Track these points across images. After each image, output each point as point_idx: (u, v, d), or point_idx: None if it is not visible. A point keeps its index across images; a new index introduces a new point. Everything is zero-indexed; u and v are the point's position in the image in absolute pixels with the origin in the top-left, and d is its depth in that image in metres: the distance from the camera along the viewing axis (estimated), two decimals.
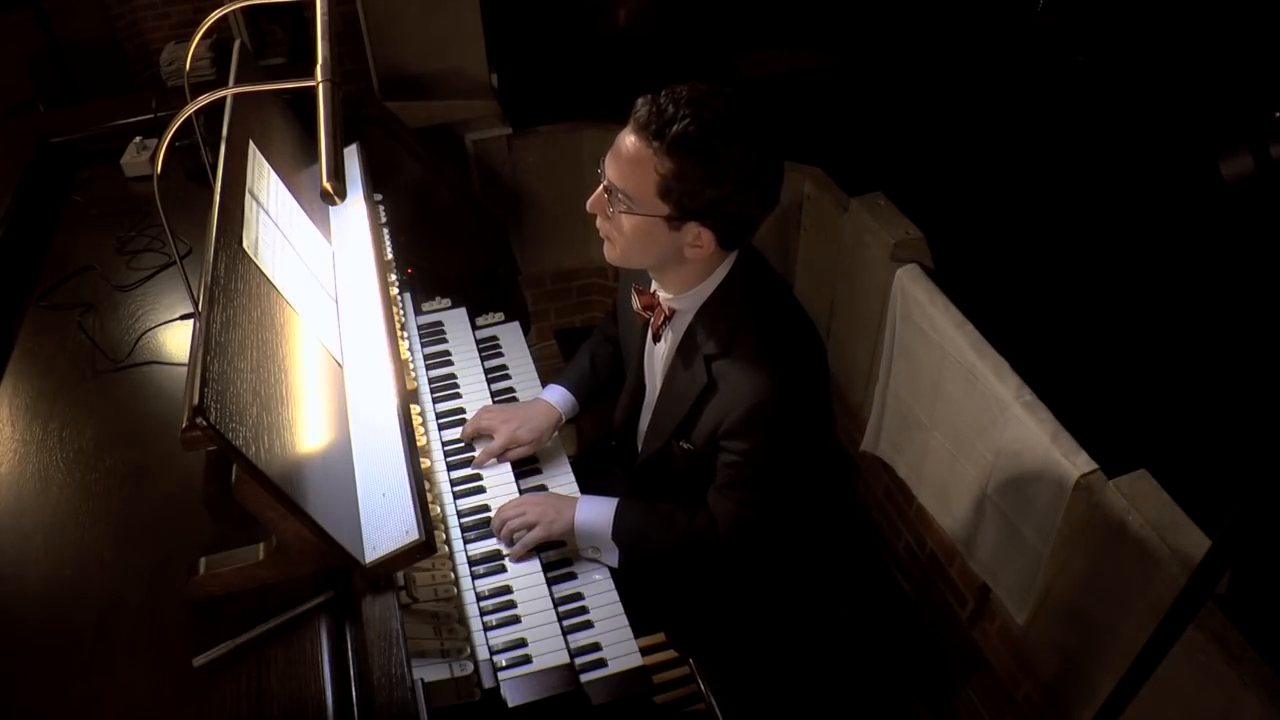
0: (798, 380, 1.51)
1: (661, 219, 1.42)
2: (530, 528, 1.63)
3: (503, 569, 1.62)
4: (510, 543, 1.65)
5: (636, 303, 1.65)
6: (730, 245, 1.49)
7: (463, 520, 1.70)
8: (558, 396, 1.89)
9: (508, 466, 1.81)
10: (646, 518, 1.65)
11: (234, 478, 1.13)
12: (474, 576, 1.59)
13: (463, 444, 1.85)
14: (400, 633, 1.24)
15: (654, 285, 1.63)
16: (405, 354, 1.78)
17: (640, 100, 1.40)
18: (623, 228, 1.46)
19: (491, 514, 1.70)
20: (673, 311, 1.60)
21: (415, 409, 1.63)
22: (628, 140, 1.41)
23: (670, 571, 1.73)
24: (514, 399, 1.99)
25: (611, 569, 1.67)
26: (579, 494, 1.77)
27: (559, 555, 1.68)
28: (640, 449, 1.82)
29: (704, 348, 1.54)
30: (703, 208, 1.40)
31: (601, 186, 1.46)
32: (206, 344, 1.10)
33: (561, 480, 1.84)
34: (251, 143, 1.61)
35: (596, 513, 1.65)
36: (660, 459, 1.71)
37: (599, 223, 1.51)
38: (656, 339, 1.66)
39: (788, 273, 2.82)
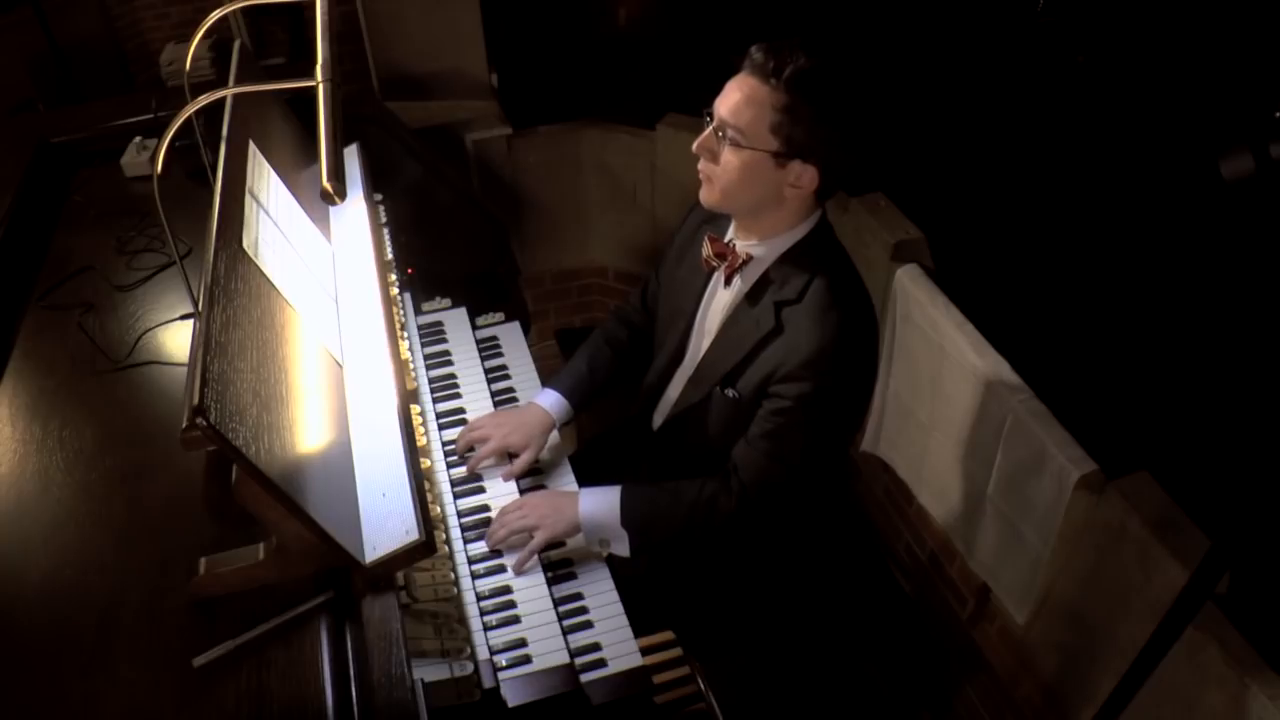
0: (862, 339, 1.57)
1: (769, 154, 1.48)
2: (531, 531, 1.62)
3: (503, 569, 1.62)
4: (512, 548, 1.64)
5: (708, 248, 1.66)
6: (824, 192, 1.57)
7: (463, 520, 1.70)
8: (550, 401, 1.88)
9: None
10: (653, 497, 1.66)
11: (234, 478, 1.13)
12: (474, 576, 1.59)
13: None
14: (400, 633, 1.24)
15: (729, 235, 1.67)
16: (405, 354, 1.78)
17: (754, 48, 1.48)
18: (729, 165, 1.51)
19: (492, 514, 1.69)
20: (749, 258, 1.63)
21: (415, 409, 1.63)
22: (743, 81, 1.49)
23: (683, 552, 1.73)
24: (514, 399, 1.99)
25: (614, 562, 1.66)
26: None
27: (559, 555, 1.67)
28: (673, 406, 1.81)
29: (777, 293, 1.59)
30: (810, 145, 1.47)
31: (710, 128, 1.52)
32: (206, 344, 1.10)
33: (563, 481, 1.83)
34: (251, 143, 1.61)
35: (601, 502, 1.65)
36: (694, 413, 1.72)
37: (700, 164, 1.56)
38: (727, 283, 1.68)
39: None
